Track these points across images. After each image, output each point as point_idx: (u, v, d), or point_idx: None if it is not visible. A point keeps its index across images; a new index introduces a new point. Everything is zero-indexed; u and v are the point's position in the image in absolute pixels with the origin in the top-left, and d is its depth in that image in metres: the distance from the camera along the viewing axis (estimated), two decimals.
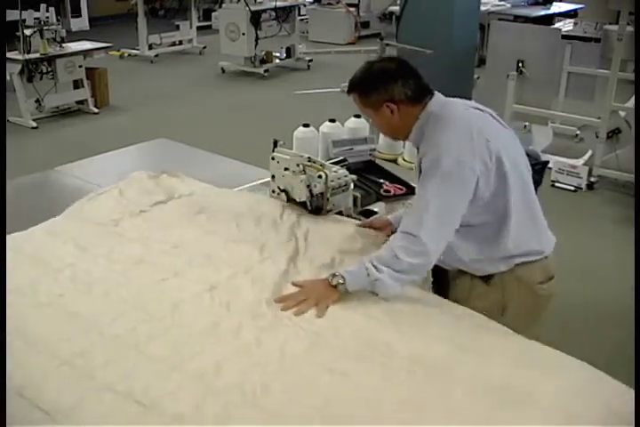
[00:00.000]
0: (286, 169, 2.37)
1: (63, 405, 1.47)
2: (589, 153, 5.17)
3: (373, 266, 1.84)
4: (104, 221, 2.28)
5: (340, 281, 1.85)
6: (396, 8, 7.18)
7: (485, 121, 1.97)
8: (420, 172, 1.92)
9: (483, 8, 7.01)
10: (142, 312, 1.78)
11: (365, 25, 10.15)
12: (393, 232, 2.19)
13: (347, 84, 2.03)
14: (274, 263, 2.02)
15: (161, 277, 1.95)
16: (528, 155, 2.16)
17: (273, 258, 2.05)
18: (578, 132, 5.76)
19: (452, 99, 2.02)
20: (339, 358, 1.62)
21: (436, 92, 1.98)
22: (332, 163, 2.58)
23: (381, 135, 3.07)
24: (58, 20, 6.22)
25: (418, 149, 2.00)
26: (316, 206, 2.35)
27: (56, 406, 1.47)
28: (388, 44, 5.68)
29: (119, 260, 2.05)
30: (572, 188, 4.85)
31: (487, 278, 2.04)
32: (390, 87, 1.92)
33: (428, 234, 1.82)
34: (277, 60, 8.44)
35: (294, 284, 1.93)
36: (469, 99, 2.14)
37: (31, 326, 1.73)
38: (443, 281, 2.19)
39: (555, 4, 8.49)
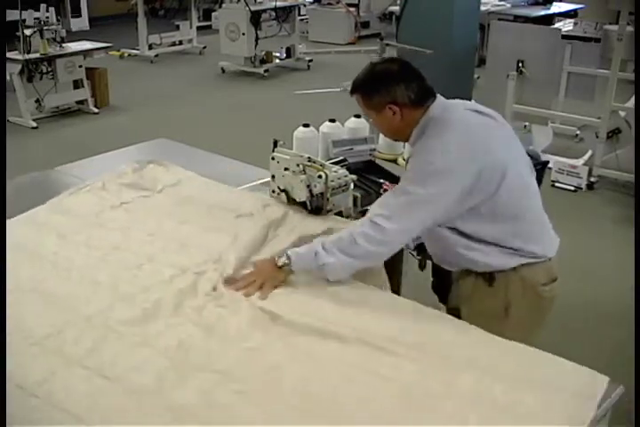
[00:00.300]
0: (286, 169, 2.37)
1: (35, 378, 1.55)
2: (589, 153, 5.17)
3: (324, 249, 1.86)
4: (84, 214, 2.35)
5: (286, 261, 1.90)
6: (396, 8, 7.17)
7: (484, 126, 1.95)
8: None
9: (483, 8, 7.00)
10: (115, 293, 1.89)
11: (365, 25, 10.15)
12: None
13: (347, 83, 2.03)
14: (243, 251, 2.09)
15: (136, 263, 2.04)
16: (528, 155, 2.16)
17: (242, 246, 2.12)
18: (578, 132, 5.77)
19: (453, 101, 2.01)
20: (293, 332, 1.72)
21: (438, 96, 1.98)
22: (332, 163, 2.58)
23: (381, 135, 3.07)
24: (58, 20, 6.22)
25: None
26: (316, 206, 2.35)
27: (27, 379, 1.54)
28: (388, 44, 5.68)
29: (99, 247, 2.14)
30: (572, 188, 4.85)
31: (491, 279, 2.02)
32: (393, 89, 1.92)
33: (393, 226, 1.83)
34: (277, 60, 8.45)
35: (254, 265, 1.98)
36: (469, 99, 2.15)
37: (10, 309, 1.76)
38: (445, 282, 2.18)
39: (555, 3, 8.49)
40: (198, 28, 9.52)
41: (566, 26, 6.61)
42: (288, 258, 1.91)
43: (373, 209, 1.93)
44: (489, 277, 2.02)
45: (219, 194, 2.54)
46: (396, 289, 2.49)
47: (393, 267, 2.24)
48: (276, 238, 2.19)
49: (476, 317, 1.92)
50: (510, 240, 1.96)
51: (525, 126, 5.49)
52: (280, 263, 1.92)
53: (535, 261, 2.01)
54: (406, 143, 3.01)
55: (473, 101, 2.10)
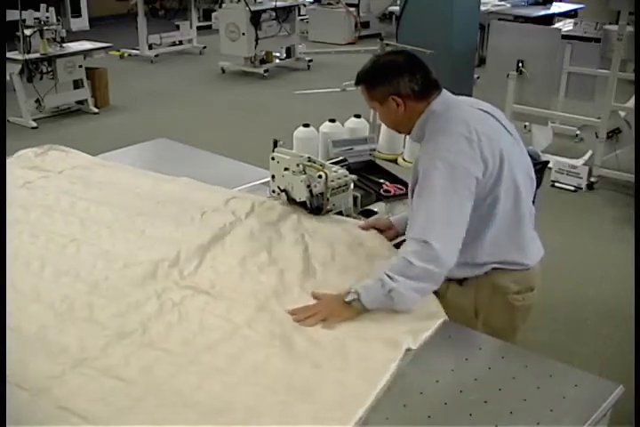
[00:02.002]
0: (286, 169, 2.37)
1: None
2: (589, 153, 5.17)
3: (387, 276, 1.77)
4: None
5: (355, 297, 1.78)
6: (396, 8, 7.17)
7: (488, 125, 1.92)
8: (418, 171, 1.89)
9: (483, 8, 7.00)
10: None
11: (365, 25, 10.15)
12: (396, 235, 2.19)
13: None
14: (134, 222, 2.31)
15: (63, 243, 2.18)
16: (528, 155, 2.14)
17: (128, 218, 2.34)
18: (578, 132, 5.76)
19: (459, 98, 1.99)
20: (234, 309, 1.82)
21: (444, 90, 1.96)
22: (332, 163, 2.58)
23: (381, 135, 3.07)
24: (58, 20, 6.22)
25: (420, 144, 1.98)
26: (316, 206, 2.35)
27: None
28: (388, 44, 5.67)
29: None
30: (572, 188, 4.85)
31: (462, 279, 2.01)
32: (396, 81, 1.90)
33: (437, 238, 1.76)
34: (277, 60, 8.44)
35: (314, 295, 1.89)
36: None
37: None
38: None
39: (555, 3, 8.48)
40: (198, 28, 9.52)
41: (566, 26, 6.60)
42: (356, 293, 1.79)
43: (411, 227, 1.86)
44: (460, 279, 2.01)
45: (117, 175, 2.73)
46: None
47: None
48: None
49: (452, 313, 1.91)
50: (477, 249, 1.92)
51: (525, 126, 5.49)
52: (348, 299, 1.79)
53: (509, 268, 1.97)
54: (406, 142, 3.03)
55: (479, 101, 2.07)
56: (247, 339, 1.69)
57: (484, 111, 1.96)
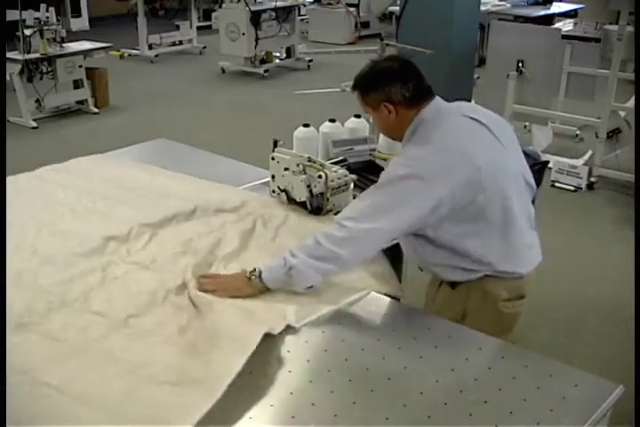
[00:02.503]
0: (286, 169, 2.38)
1: None
2: (589, 153, 5.17)
3: (291, 254, 1.83)
4: None
5: (256, 274, 1.86)
6: (396, 8, 7.17)
7: (474, 137, 1.90)
8: None
9: (483, 8, 7.00)
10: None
11: (365, 25, 10.15)
12: None
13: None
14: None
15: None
16: (528, 155, 2.14)
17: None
18: (578, 132, 5.77)
19: (450, 105, 1.98)
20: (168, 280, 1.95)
21: (436, 98, 1.96)
22: (332, 163, 2.58)
23: (381, 135, 3.07)
24: (58, 20, 6.22)
25: None
26: (316, 206, 2.35)
27: None
28: (387, 44, 5.66)
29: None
30: (572, 188, 4.85)
31: (454, 283, 2.01)
32: (389, 88, 1.91)
33: (355, 225, 1.80)
34: (277, 60, 8.45)
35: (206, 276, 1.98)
36: (469, 99, 2.14)
37: None
38: None
39: (555, 4, 8.48)
40: (198, 28, 9.52)
41: (566, 26, 6.60)
42: (258, 271, 1.86)
43: (342, 212, 1.93)
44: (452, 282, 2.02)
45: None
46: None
47: (393, 267, 2.24)
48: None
49: (438, 314, 1.94)
50: (468, 256, 1.92)
51: (525, 126, 5.49)
52: (249, 275, 1.87)
53: (502, 276, 1.97)
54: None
55: (473, 102, 2.08)
56: (174, 306, 1.84)
57: (475, 120, 1.93)
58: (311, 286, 1.87)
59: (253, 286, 1.87)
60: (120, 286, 1.93)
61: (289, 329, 1.77)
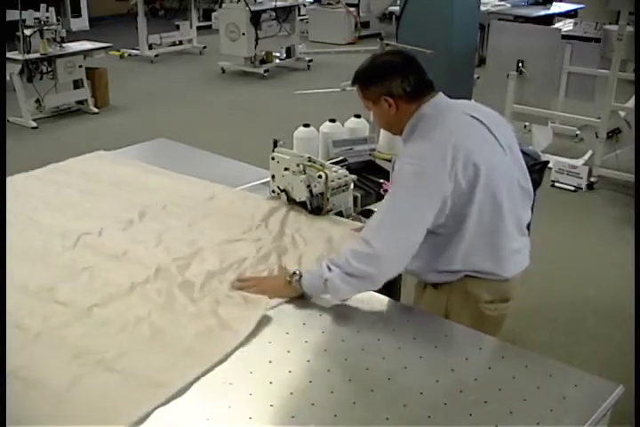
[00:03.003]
0: (286, 169, 2.38)
1: None
2: (589, 153, 5.17)
3: (327, 266, 1.83)
4: None
5: (297, 278, 1.86)
6: (396, 8, 7.17)
7: (473, 136, 1.89)
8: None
9: (483, 8, 7.00)
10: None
11: (365, 25, 10.15)
12: None
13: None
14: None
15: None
16: (528, 155, 2.13)
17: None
18: (578, 132, 5.76)
19: (453, 102, 1.97)
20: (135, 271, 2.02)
21: (439, 93, 1.95)
22: (332, 163, 2.58)
23: (381, 135, 3.07)
24: (58, 20, 6.22)
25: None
26: (316, 206, 2.35)
27: None
28: (387, 44, 5.67)
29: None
30: (572, 188, 4.85)
31: (436, 284, 2.01)
32: (389, 81, 1.90)
33: (381, 240, 1.78)
34: (277, 60, 8.44)
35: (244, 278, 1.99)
36: (469, 100, 2.13)
37: None
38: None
39: (555, 3, 8.47)
40: (198, 28, 9.51)
41: (566, 26, 6.60)
42: (299, 275, 1.86)
43: (366, 227, 1.90)
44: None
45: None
46: (397, 289, 2.49)
47: None
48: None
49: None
50: (450, 257, 1.91)
51: (525, 126, 5.49)
52: (289, 278, 1.87)
53: (484, 277, 1.96)
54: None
55: (476, 108, 2.06)
56: (139, 296, 1.89)
57: (476, 119, 1.92)
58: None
59: (292, 289, 1.87)
60: (87, 276, 1.99)
61: (289, 329, 1.77)
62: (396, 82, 1.90)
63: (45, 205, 2.49)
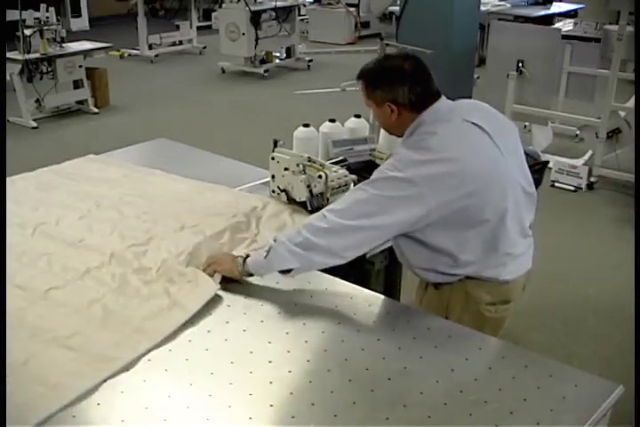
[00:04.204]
0: (286, 169, 2.38)
1: None
2: (589, 153, 5.17)
3: (274, 239, 1.87)
4: None
5: (242, 256, 1.95)
6: (396, 8, 7.17)
7: (471, 144, 1.86)
8: None
9: (483, 8, 7.00)
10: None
11: (365, 25, 10.15)
12: None
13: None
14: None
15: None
16: (528, 155, 2.12)
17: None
18: (578, 132, 5.77)
19: (453, 108, 1.92)
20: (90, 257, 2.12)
21: (441, 98, 1.91)
22: (332, 163, 2.58)
23: (381, 135, 3.07)
24: (58, 20, 6.22)
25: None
26: (316, 206, 2.35)
27: None
28: (388, 44, 5.67)
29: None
30: (572, 188, 4.85)
31: (438, 283, 2.00)
32: (396, 89, 1.88)
33: (337, 219, 1.80)
34: (277, 60, 8.44)
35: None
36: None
37: None
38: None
39: (555, 3, 8.47)
40: (198, 28, 9.51)
41: (566, 26, 6.60)
42: (245, 255, 1.95)
43: (330, 204, 1.96)
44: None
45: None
46: (397, 288, 2.50)
47: (394, 267, 2.25)
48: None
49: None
50: (454, 259, 1.90)
51: (525, 126, 5.49)
52: (235, 255, 1.99)
53: (484, 279, 1.95)
54: None
55: (476, 101, 2.04)
56: (93, 279, 1.99)
57: (476, 125, 1.88)
58: (290, 272, 1.86)
59: (235, 265, 1.95)
60: (45, 262, 2.08)
61: (289, 329, 1.77)
62: (403, 90, 1.87)
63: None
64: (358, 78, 1.97)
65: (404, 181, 1.78)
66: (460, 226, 1.86)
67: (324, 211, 1.87)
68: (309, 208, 2.36)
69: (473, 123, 1.88)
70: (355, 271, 2.08)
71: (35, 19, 6.00)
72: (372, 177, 1.87)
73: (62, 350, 1.66)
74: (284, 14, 8.14)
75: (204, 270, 1.99)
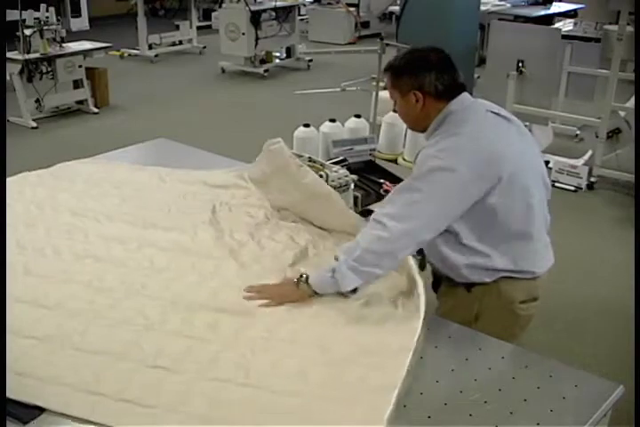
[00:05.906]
0: None
1: None
2: (589, 153, 5.17)
3: (335, 258, 1.82)
4: None
5: (303, 280, 1.84)
6: (396, 8, 7.17)
7: (499, 132, 1.90)
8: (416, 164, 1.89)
9: (483, 8, 7.00)
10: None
11: (365, 25, 10.15)
12: None
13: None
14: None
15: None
16: None
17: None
18: (578, 132, 5.77)
19: (476, 101, 1.96)
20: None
21: (464, 92, 1.93)
22: (332, 163, 2.58)
23: (381, 135, 3.07)
24: (58, 20, 6.21)
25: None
26: None
27: None
28: (388, 44, 5.67)
29: None
30: (572, 188, 4.85)
31: (470, 286, 2.00)
32: (422, 76, 1.89)
33: (399, 224, 1.76)
34: (277, 60, 8.45)
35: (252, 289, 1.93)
36: None
37: None
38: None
39: (555, 3, 8.47)
40: (198, 28, 9.51)
41: (566, 26, 6.60)
42: (305, 274, 1.86)
43: (379, 208, 1.89)
44: (469, 284, 1.99)
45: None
46: None
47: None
48: None
49: (451, 315, 1.93)
50: (493, 255, 1.91)
51: (525, 126, 5.47)
52: (296, 280, 1.86)
53: (518, 277, 1.96)
54: (406, 142, 3.03)
55: (495, 105, 2.05)
56: (145, 297, 1.91)
57: (500, 116, 1.93)
58: (355, 290, 1.83)
59: (302, 292, 1.85)
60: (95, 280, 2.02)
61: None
62: (430, 78, 1.89)
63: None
64: (385, 70, 1.99)
65: (445, 169, 1.77)
66: (494, 216, 1.86)
67: (378, 217, 1.80)
68: None
69: (496, 113, 1.93)
70: None
71: (35, 19, 5.99)
72: (415, 172, 1.84)
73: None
74: (283, 14, 8.14)
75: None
